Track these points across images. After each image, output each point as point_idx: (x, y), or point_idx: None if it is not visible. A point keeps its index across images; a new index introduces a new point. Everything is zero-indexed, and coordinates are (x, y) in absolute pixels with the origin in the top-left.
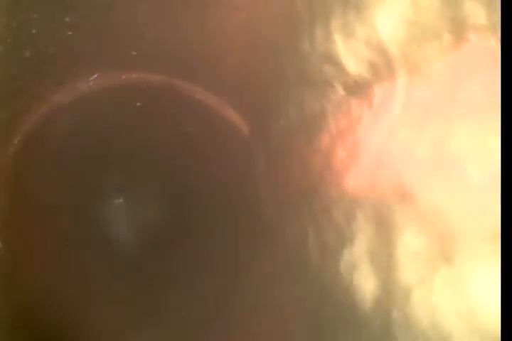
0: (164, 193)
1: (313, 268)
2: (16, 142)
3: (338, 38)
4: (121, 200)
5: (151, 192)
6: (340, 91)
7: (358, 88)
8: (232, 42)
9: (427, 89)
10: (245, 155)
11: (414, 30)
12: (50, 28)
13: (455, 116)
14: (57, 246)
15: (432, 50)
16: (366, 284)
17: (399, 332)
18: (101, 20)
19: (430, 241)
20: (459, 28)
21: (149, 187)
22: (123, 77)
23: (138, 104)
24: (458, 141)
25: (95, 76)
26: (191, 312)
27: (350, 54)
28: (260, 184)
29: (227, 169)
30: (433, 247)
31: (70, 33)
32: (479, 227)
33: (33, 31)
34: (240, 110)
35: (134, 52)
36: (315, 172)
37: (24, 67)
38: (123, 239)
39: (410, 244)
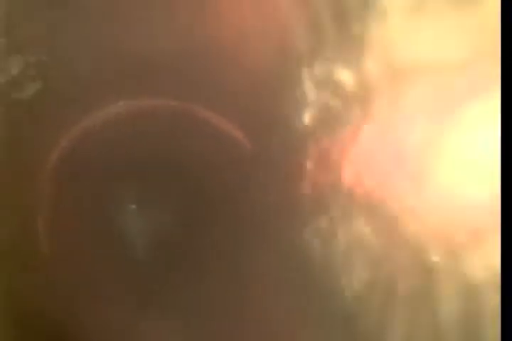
0: (176, 201)
1: (317, 274)
2: (53, 160)
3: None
4: (134, 206)
5: (164, 201)
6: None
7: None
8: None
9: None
10: (248, 166)
11: None
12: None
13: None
14: (83, 248)
15: None
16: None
17: None
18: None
19: None
20: None
21: (163, 197)
22: (145, 103)
23: (156, 127)
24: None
25: (121, 103)
26: (200, 311)
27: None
28: (264, 192)
29: (233, 178)
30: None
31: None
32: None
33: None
34: (242, 127)
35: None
36: (316, 177)
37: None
38: (135, 241)
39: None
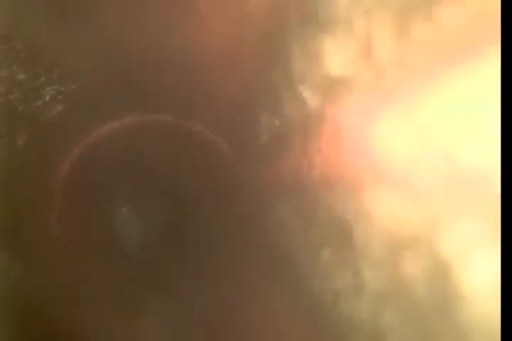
0: (167, 202)
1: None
2: (63, 167)
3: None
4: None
5: (156, 202)
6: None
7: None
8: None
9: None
10: (228, 168)
11: None
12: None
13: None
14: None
15: None
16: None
17: None
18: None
19: None
20: None
21: (155, 198)
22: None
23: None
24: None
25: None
26: (195, 310)
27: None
28: (246, 189)
29: (217, 180)
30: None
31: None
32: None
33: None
34: (222, 135)
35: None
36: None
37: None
38: (130, 240)
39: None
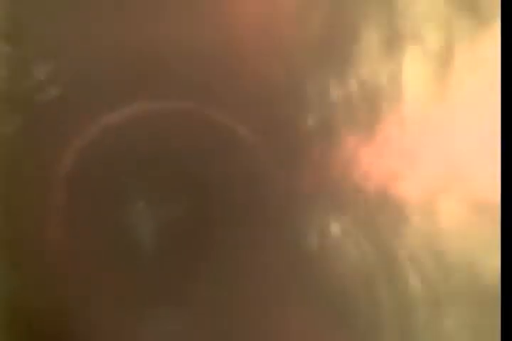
0: (184, 196)
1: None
2: (67, 161)
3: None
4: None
5: (172, 196)
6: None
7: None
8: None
9: None
10: (254, 163)
11: None
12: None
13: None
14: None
15: None
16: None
17: None
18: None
19: None
20: None
21: (172, 192)
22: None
23: (168, 128)
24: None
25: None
26: (207, 306)
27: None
28: (271, 188)
29: (240, 175)
30: None
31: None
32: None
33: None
34: (248, 124)
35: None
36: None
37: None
38: (144, 238)
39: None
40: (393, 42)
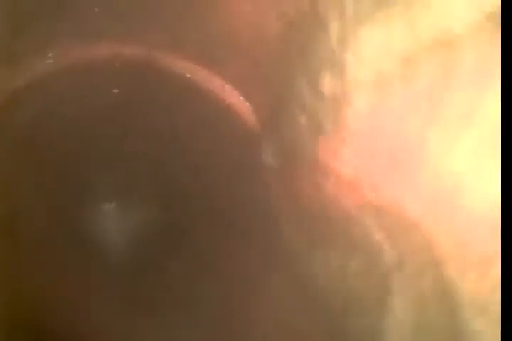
0: (157, 194)
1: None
2: None
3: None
4: (110, 204)
5: (142, 194)
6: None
7: None
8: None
9: None
10: (251, 151)
11: None
12: None
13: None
14: (41, 252)
15: None
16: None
17: None
18: None
19: None
20: None
21: (140, 188)
22: (90, 51)
23: (115, 90)
24: None
25: (54, 51)
26: (191, 313)
27: None
28: (268, 184)
29: (229, 165)
30: None
31: None
32: None
33: None
34: (245, 95)
35: (96, 9)
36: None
37: None
38: (115, 245)
39: None
40: None
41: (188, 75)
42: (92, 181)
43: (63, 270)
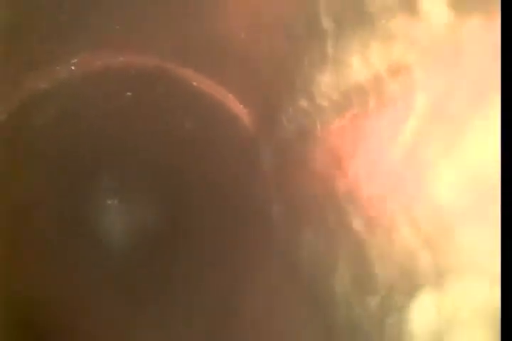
0: (160, 193)
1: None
2: None
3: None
4: (116, 201)
5: (146, 193)
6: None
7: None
8: (235, 24)
9: None
10: (249, 152)
11: None
12: None
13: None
14: (46, 248)
15: None
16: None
17: None
18: None
19: None
20: None
21: (144, 187)
22: (108, 59)
23: (128, 93)
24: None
25: (76, 59)
26: (191, 308)
27: None
28: (265, 184)
29: (229, 167)
30: None
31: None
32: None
33: None
34: (243, 100)
35: (117, 26)
36: (327, 173)
37: None
38: (118, 241)
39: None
40: None
41: (195, 83)
42: (102, 178)
43: (66, 266)
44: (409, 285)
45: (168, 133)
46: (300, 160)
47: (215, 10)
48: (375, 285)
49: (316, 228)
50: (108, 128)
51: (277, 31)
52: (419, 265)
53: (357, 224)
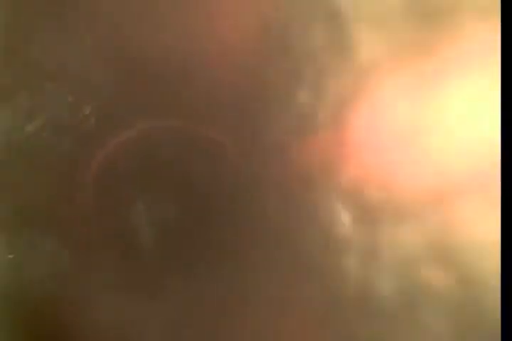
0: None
1: (320, 267)
2: (84, 174)
3: None
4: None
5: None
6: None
7: None
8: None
9: None
10: (234, 168)
11: None
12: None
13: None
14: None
15: None
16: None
17: None
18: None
19: None
20: None
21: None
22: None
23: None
24: None
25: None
26: (204, 303)
27: None
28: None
29: (223, 180)
30: None
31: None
32: None
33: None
34: (226, 134)
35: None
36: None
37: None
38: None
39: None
40: None
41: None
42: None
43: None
44: None
45: (181, 162)
46: None
47: None
48: None
49: None
50: (148, 163)
51: None
52: None
53: None
